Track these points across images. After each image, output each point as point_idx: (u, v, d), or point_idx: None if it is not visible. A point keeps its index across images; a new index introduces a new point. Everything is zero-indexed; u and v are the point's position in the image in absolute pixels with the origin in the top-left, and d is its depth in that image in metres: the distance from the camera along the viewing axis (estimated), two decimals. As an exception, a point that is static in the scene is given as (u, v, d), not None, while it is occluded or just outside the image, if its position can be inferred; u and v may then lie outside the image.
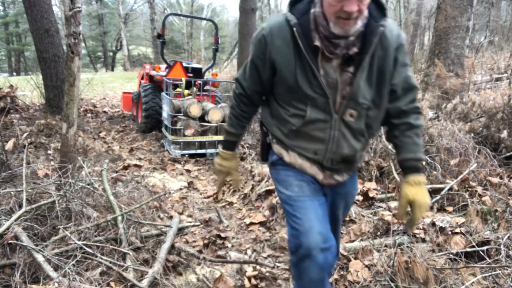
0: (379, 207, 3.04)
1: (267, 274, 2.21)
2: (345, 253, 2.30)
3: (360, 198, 3.15)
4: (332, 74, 1.24)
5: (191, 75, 6.13)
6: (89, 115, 7.83)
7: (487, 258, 2.12)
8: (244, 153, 4.75)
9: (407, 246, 2.26)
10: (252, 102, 1.48)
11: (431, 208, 2.94)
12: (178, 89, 5.75)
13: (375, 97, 1.29)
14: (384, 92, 1.30)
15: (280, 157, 1.42)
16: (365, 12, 1.17)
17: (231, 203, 3.48)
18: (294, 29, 1.21)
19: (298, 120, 1.31)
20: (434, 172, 3.37)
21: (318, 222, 1.29)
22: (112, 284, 1.90)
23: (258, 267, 2.24)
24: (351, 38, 1.19)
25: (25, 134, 4.73)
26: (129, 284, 1.87)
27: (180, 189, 3.89)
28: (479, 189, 3.04)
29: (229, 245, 2.65)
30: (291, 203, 1.34)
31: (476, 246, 2.19)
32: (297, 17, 1.23)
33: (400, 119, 1.37)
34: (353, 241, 2.55)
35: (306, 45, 1.21)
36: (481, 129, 4.17)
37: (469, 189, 3.08)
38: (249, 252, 2.56)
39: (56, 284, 1.70)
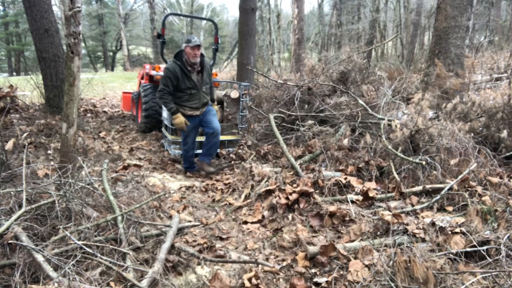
0: (379, 207, 3.04)
1: (267, 274, 2.21)
2: (345, 253, 2.30)
3: (360, 198, 3.15)
4: (195, 77, 4.18)
5: (191, 75, 6.12)
6: (89, 115, 7.83)
7: (487, 258, 2.13)
8: (245, 153, 4.75)
9: (407, 246, 2.26)
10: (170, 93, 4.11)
11: (431, 207, 2.95)
12: (178, 89, 5.73)
13: (209, 82, 4.38)
14: (210, 80, 4.45)
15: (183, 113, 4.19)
16: (199, 54, 4.06)
17: (231, 203, 3.48)
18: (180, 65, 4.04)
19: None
20: (434, 172, 3.37)
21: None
22: (112, 284, 1.90)
23: (259, 267, 2.24)
24: (197, 64, 4.13)
25: (25, 134, 4.73)
26: (129, 284, 1.87)
27: (180, 189, 3.89)
28: (479, 189, 3.04)
29: (229, 245, 2.65)
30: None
31: (476, 246, 2.19)
32: (179, 60, 4.11)
33: (211, 88, 4.52)
34: (353, 241, 2.55)
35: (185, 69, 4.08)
36: (481, 129, 4.17)
37: (469, 189, 3.08)
38: (249, 252, 2.56)
39: (56, 284, 1.70)
